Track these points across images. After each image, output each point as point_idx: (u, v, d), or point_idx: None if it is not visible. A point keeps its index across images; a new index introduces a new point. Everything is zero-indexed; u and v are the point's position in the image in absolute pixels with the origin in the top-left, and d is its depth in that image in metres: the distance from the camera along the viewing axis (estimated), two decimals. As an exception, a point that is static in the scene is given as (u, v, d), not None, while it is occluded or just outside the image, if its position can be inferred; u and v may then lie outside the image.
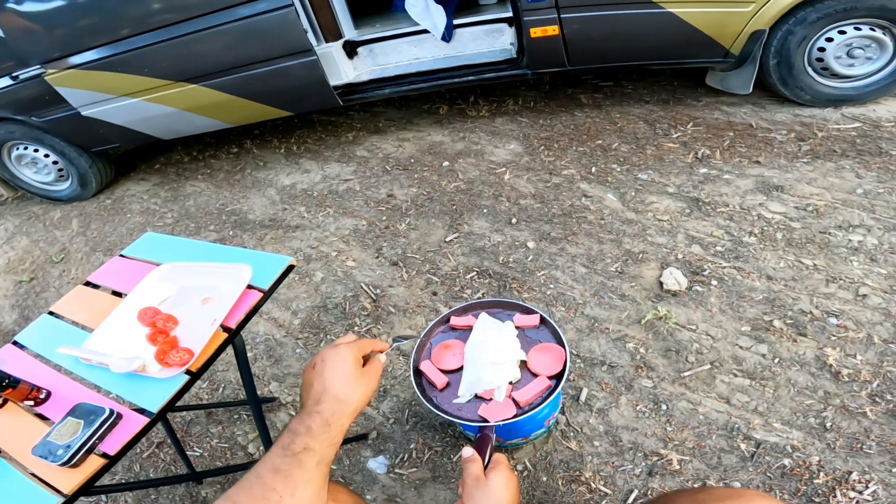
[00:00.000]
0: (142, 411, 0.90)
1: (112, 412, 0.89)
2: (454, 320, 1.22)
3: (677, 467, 1.22)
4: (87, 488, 0.84)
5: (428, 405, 1.07)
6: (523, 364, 1.10)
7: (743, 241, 1.71)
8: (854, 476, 1.13)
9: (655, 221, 1.87)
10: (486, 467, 0.83)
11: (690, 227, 1.81)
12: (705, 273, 1.63)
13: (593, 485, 1.24)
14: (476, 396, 1.07)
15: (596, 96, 2.68)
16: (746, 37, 1.97)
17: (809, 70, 2.08)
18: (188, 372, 0.92)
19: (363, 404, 0.71)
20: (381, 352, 0.80)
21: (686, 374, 1.39)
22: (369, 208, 2.36)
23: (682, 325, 1.51)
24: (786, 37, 1.98)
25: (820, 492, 1.13)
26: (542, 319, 1.16)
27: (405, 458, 1.40)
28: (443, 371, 1.13)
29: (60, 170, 3.06)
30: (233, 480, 1.46)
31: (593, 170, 2.19)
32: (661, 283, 1.62)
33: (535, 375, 1.07)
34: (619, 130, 2.39)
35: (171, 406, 0.91)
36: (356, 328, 1.79)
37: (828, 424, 1.23)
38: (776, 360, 1.37)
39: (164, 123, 2.71)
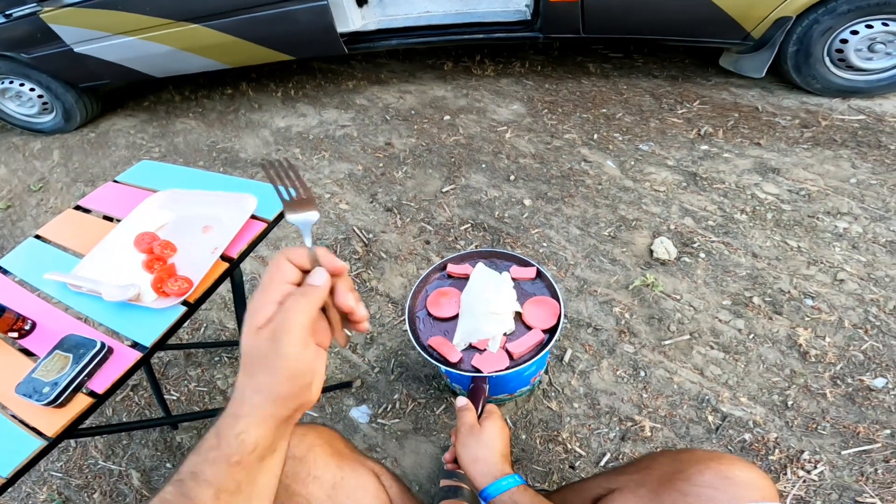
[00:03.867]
0: (134, 345, 0.84)
1: (103, 345, 0.82)
2: (451, 268, 1.20)
3: (648, 434, 1.26)
4: (72, 430, 0.78)
5: (424, 354, 1.06)
6: (518, 316, 1.10)
7: (734, 218, 1.72)
8: (805, 455, 1.17)
9: (652, 191, 1.87)
10: (479, 417, 0.85)
11: (685, 199, 1.82)
12: (695, 245, 1.65)
13: (569, 445, 1.27)
14: (470, 346, 1.06)
15: (604, 66, 2.62)
16: (771, 22, 1.92)
17: (827, 60, 2.04)
18: (185, 303, 0.87)
19: (271, 402, 0.43)
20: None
21: (666, 342, 1.42)
22: (366, 155, 2.31)
23: (668, 294, 1.53)
24: (811, 25, 1.94)
25: (773, 468, 1.17)
26: (539, 273, 1.16)
27: (388, 409, 1.41)
28: (439, 319, 1.13)
29: (45, 103, 2.93)
30: (207, 427, 1.44)
31: (595, 136, 2.17)
32: (651, 252, 1.64)
33: (530, 328, 1.07)
34: (624, 101, 2.35)
35: (165, 340, 0.85)
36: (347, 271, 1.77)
37: (789, 403, 1.26)
38: (751, 336, 1.40)
39: (160, 62, 2.59)
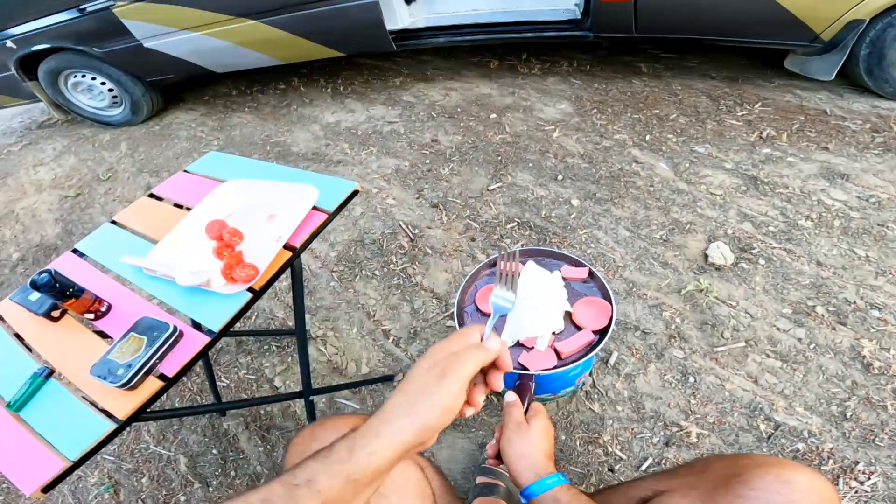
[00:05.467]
0: (201, 328, 0.85)
1: (175, 328, 0.82)
2: (500, 265, 1.19)
3: (694, 440, 1.21)
4: (140, 413, 0.77)
5: None
6: (568, 316, 1.08)
7: (798, 224, 1.64)
8: (860, 466, 1.12)
9: (708, 194, 1.80)
10: (525, 415, 0.84)
11: (744, 204, 1.74)
12: (754, 251, 1.58)
13: (610, 448, 1.24)
14: (518, 344, 1.05)
15: (656, 66, 2.54)
16: (843, 24, 1.83)
17: None
18: (251, 290, 0.88)
19: (414, 428, 0.46)
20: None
21: (719, 349, 1.37)
22: (413, 151, 2.32)
23: (723, 300, 1.47)
24: (885, 28, 1.84)
25: (825, 477, 1.12)
26: (591, 273, 1.13)
27: None
28: (487, 315, 1.11)
29: (115, 97, 3.08)
30: (256, 412, 1.47)
31: (647, 137, 2.10)
32: (705, 256, 1.58)
33: (580, 328, 1.04)
34: (678, 102, 2.27)
35: (231, 325, 0.85)
36: (391, 265, 1.79)
37: (848, 414, 1.20)
38: (811, 346, 1.34)
39: (220, 57, 2.70)
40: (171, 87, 3.37)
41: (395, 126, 2.53)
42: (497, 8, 2.44)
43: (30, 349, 0.90)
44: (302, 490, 0.44)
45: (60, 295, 0.85)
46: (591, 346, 1.02)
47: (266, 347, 1.65)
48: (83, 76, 2.99)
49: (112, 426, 0.74)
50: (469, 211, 1.94)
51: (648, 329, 1.44)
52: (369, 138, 2.49)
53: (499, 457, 0.78)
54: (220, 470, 1.41)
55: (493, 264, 1.21)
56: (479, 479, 1.18)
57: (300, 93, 3.08)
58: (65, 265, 1.03)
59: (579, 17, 2.25)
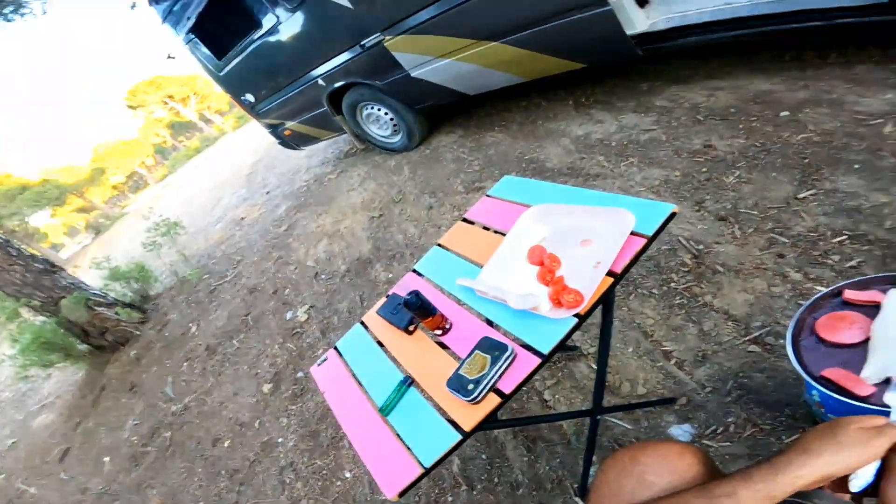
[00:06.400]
0: (531, 349, 0.86)
1: (513, 350, 0.85)
2: (849, 294, 0.94)
3: None
4: (482, 425, 0.81)
5: (815, 384, 0.86)
6: None
7: None
8: None
9: None
10: None
11: None
12: None
13: None
14: (887, 380, 0.82)
15: None
16: None
17: None
18: (577, 315, 0.86)
19: (839, 463, 0.55)
20: None
21: None
22: (681, 159, 2.04)
23: None
24: None
25: None
26: None
27: (718, 431, 1.20)
28: (835, 344, 0.89)
29: (395, 125, 3.59)
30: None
31: None
32: None
33: None
34: None
35: (559, 349, 0.85)
36: (672, 283, 1.58)
37: None
38: None
39: (471, 80, 2.86)
40: (432, 114, 3.72)
41: (654, 133, 2.27)
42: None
43: (394, 360, 1.01)
44: (723, 500, 0.54)
45: (423, 313, 0.95)
46: None
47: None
48: (372, 108, 3.52)
49: (459, 437, 0.78)
50: (772, 223, 1.58)
51: None
52: (626, 148, 2.29)
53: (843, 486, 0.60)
54: (485, 475, 1.45)
55: (838, 294, 0.96)
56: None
57: (543, 108, 3.07)
58: (410, 283, 1.17)
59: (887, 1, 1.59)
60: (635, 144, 2.28)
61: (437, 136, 3.64)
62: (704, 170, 1.91)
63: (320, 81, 3.44)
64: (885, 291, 0.91)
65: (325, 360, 1.15)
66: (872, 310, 0.90)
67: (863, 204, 1.46)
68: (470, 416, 0.80)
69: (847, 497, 0.61)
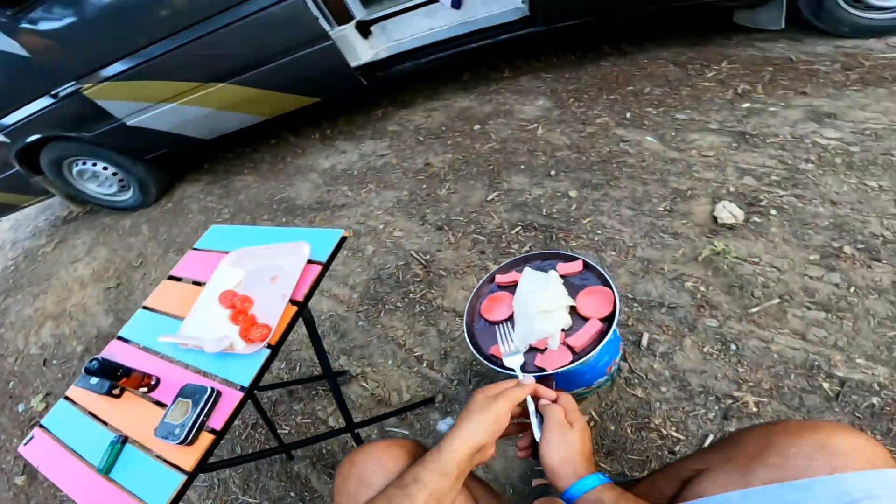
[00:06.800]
0: (235, 386, 0.92)
1: (213, 390, 0.91)
2: (499, 278, 1.16)
3: (755, 409, 1.13)
4: (203, 464, 0.87)
5: (487, 363, 1.03)
6: (573, 310, 1.04)
7: (799, 169, 1.56)
8: None
9: (701, 158, 1.73)
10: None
11: (739, 159, 1.67)
12: (762, 203, 1.50)
13: (664, 431, 1.17)
14: (531, 348, 1.02)
15: (620, 44, 2.49)
16: None
17: (842, 2, 1.86)
18: (269, 346, 0.93)
19: (479, 431, 0.65)
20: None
21: (754, 310, 1.29)
22: (408, 179, 2.30)
23: (744, 259, 1.40)
24: None
25: None
26: (585, 264, 1.09)
27: None
28: (492, 321, 1.09)
29: (121, 180, 3.13)
30: (318, 451, 1.49)
31: (627, 115, 2.04)
32: (714, 218, 1.51)
33: (587, 319, 1.01)
34: (648, 75, 2.21)
35: (259, 379, 0.92)
36: (411, 295, 1.76)
37: None
38: (851, 289, 1.24)
39: (203, 124, 2.71)
40: (171, 162, 3.40)
41: (387, 158, 2.52)
42: (451, 22, 2.42)
43: (105, 423, 1.01)
44: (412, 487, 0.61)
45: (113, 376, 0.95)
46: (602, 334, 0.98)
47: (315, 393, 1.66)
48: (84, 163, 3.01)
49: (183, 478, 0.84)
50: (473, 226, 1.90)
51: (674, 303, 1.38)
52: (366, 176, 2.48)
53: (534, 453, 0.75)
54: (301, 509, 1.41)
55: (492, 279, 1.18)
56: (536, 482, 1.17)
57: (291, 144, 3.10)
58: (115, 350, 1.14)
59: (528, 13, 2.21)
60: (373, 171, 2.48)
61: (181, 187, 3.31)
62: (425, 186, 2.20)
63: (2, 138, 2.77)
64: (520, 271, 1.14)
65: (31, 438, 1.10)
66: (515, 288, 1.12)
67: (527, 198, 1.89)
68: (188, 457, 0.86)
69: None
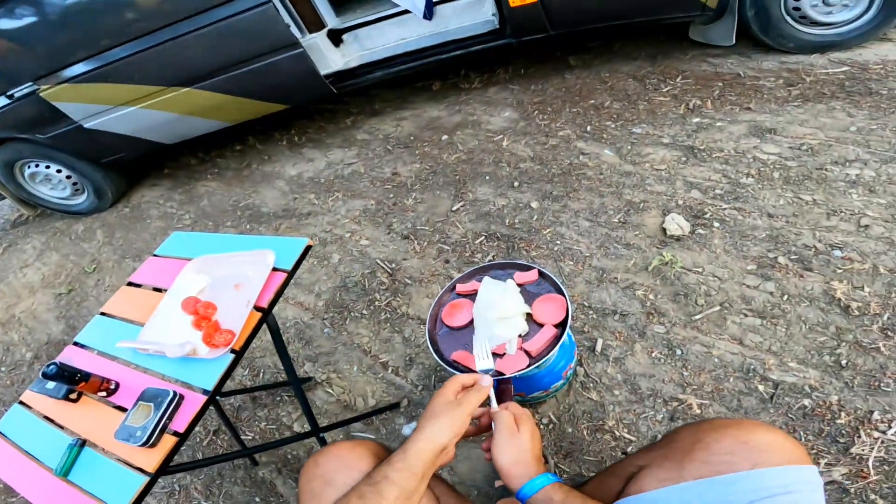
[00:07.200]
0: (197, 389, 0.95)
1: (175, 394, 0.94)
2: (460, 287, 1.23)
3: (698, 411, 1.22)
4: (166, 466, 0.89)
5: (450, 368, 1.09)
6: (529, 317, 1.12)
7: (741, 183, 1.70)
8: (876, 415, 1.10)
9: (653, 171, 1.86)
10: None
11: (688, 173, 1.80)
12: (706, 216, 1.63)
13: (617, 433, 1.25)
14: (490, 353, 1.08)
15: (584, 57, 2.63)
16: None
17: (788, 19, 2.02)
18: (232, 351, 0.96)
19: (442, 433, 0.70)
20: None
21: (697, 317, 1.40)
22: (376, 188, 2.36)
23: (689, 269, 1.51)
24: None
25: (844, 432, 1.10)
26: (541, 273, 1.18)
27: None
28: (453, 328, 1.16)
29: (75, 184, 3.06)
30: (284, 457, 1.51)
31: (588, 128, 2.17)
32: (664, 230, 1.63)
33: (542, 325, 1.09)
34: (609, 89, 2.35)
35: (223, 383, 0.95)
36: (377, 302, 1.81)
37: (843, 362, 1.19)
38: (785, 297, 1.36)
39: (166, 129, 2.69)
40: (130, 166, 3.34)
41: (355, 166, 2.57)
42: (423, 33, 2.50)
43: (61, 427, 1.02)
44: (382, 484, 0.64)
45: (71, 380, 0.97)
46: (557, 339, 1.06)
47: (279, 399, 1.68)
48: (37, 165, 2.94)
49: (146, 479, 0.86)
50: (438, 235, 1.97)
51: (626, 310, 1.48)
52: (333, 184, 2.52)
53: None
54: (267, 516, 1.42)
55: (453, 289, 1.25)
56: (498, 483, 1.20)
57: (258, 150, 3.10)
58: (71, 356, 1.15)
59: (498, 26, 2.32)
60: (341, 179, 2.53)
61: (139, 191, 3.26)
62: (392, 195, 2.26)
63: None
64: (480, 280, 1.21)
65: None
66: (475, 297, 1.18)
67: (492, 208, 1.98)
68: (151, 459, 0.88)
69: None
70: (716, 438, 0.65)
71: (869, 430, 1.09)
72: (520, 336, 1.09)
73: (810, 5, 1.95)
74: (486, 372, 0.95)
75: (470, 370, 1.08)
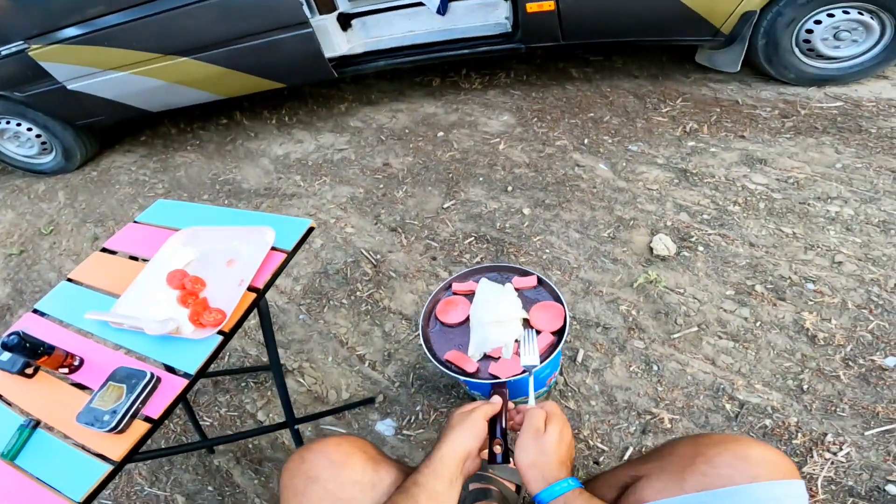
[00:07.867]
0: (177, 372, 0.90)
1: (152, 375, 0.88)
2: (456, 286, 1.25)
3: (668, 426, 1.29)
4: (133, 454, 0.83)
5: (443, 369, 1.10)
6: (526, 322, 1.15)
7: (728, 210, 1.79)
8: (829, 438, 1.18)
9: (645, 190, 1.93)
10: (504, 422, 0.88)
11: (678, 195, 1.88)
12: (692, 239, 1.71)
13: (591, 442, 1.30)
14: (485, 356, 1.11)
15: (586, 70, 2.70)
16: (738, 17, 2.01)
17: (796, 51, 2.12)
18: (221, 332, 0.92)
19: (460, 439, 0.78)
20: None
21: (675, 335, 1.47)
22: (365, 177, 2.37)
23: (671, 289, 1.59)
24: (775, 18, 2.02)
25: (798, 451, 1.19)
26: (540, 280, 1.22)
27: (412, 420, 1.45)
28: (448, 324, 1.18)
29: (44, 143, 2.97)
30: (244, 446, 1.49)
31: (585, 141, 2.24)
32: (651, 249, 1.70)
33: (539, 332, 1.12)
34: (609, 104, 2.42)
35: (207, 367, 0.90)
36: (358, 293, 1.82)
37: (805, 387, 1.28)
38: (757, 323, 1.44)
39: (154, 96, 2.64)
40: (104, 130, 3.26)
41: (346, 153, 2.57)
42: (432, 28, 2.54)
43: (10, 405, 0.95)
44: (412, 489, 0.71)
45: (32, 353, 0.90)
46: (553, 346, 1.09)
47: (244, 384, 1.65)
48: (7, 122, 2.86)
49: (109, 467, 0.80)
50: (427, 231, 2.00)
51: (609, 324, 1.54)
52: (321, 168, 2.51)
53: (490, 459, 0.81)
54: (218, 504, 1.40)
55: (449, 287, 1.27)
56: (472, 486, 1.21)
57: (244, 126, 3.06)
58: (28, 324, 1.06)
59: (510, 30, 2.37)
60: (329, 164, 2.52)
61: (110, 156, 3.16)
62: (382, 186, 2.27)
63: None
64: (477, 281, 1.25)
65: None
66: (472, 297, 1.21)
67: (483, 210, 2.02)
68: (117, 446, 0.82)
69: (512, 465, 0.79)
70: (717, 452, 0.69)
71: (821, 451, 1.18)
72: (516, 341, 1.11)
73: (821, 39, 2.06)
74: (530, 368, 1.00)
75: (463, 371, 1.10)
